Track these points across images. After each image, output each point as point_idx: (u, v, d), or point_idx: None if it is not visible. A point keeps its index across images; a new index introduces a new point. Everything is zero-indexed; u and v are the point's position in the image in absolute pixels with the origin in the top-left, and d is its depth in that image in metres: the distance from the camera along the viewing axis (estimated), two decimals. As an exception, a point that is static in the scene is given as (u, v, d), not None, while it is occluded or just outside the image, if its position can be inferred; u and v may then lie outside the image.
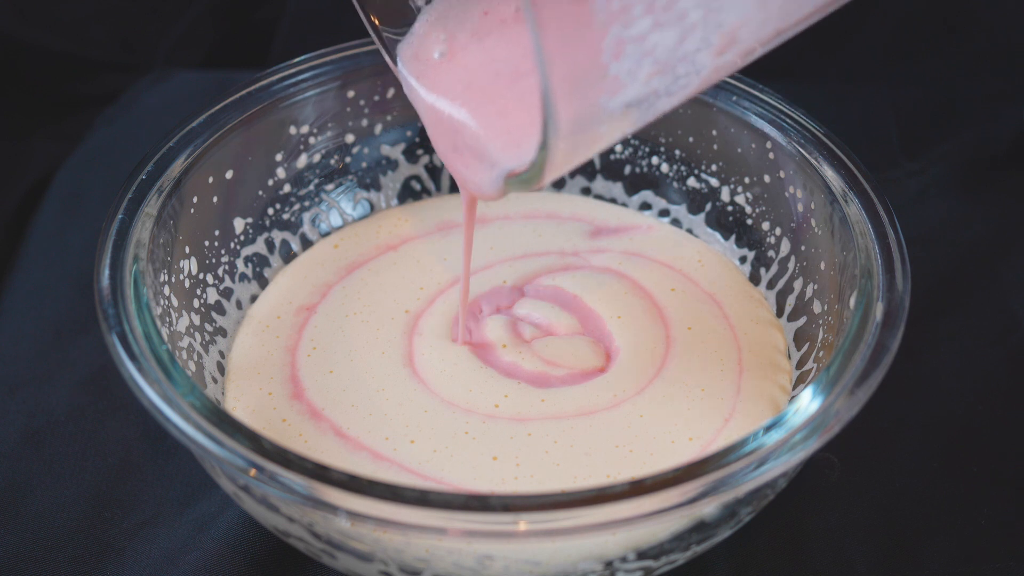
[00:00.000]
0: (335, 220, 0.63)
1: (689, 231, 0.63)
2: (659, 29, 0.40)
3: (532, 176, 0.43)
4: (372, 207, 0.64)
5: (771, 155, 0.59)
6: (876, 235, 0.52)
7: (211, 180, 0.58)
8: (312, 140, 0.62)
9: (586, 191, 0.65)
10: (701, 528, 0.48)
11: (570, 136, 0.40)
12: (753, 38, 0.43)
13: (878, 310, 0.49)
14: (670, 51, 0.41)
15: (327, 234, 0.63)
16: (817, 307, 0.56)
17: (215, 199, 0.58)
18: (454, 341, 0.57)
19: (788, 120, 0.58)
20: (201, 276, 0.57)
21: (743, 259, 0.61)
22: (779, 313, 0.59)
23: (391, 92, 0.63)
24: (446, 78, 0.50)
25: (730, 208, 0.62)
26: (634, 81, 0.41)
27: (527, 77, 0.48)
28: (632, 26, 0.39)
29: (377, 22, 0.53)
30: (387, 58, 0.53)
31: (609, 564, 0.48)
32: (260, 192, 0.61)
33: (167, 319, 0.53)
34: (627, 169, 0.64)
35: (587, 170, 0.65)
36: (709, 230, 0.63)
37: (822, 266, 0.56)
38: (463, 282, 0.56)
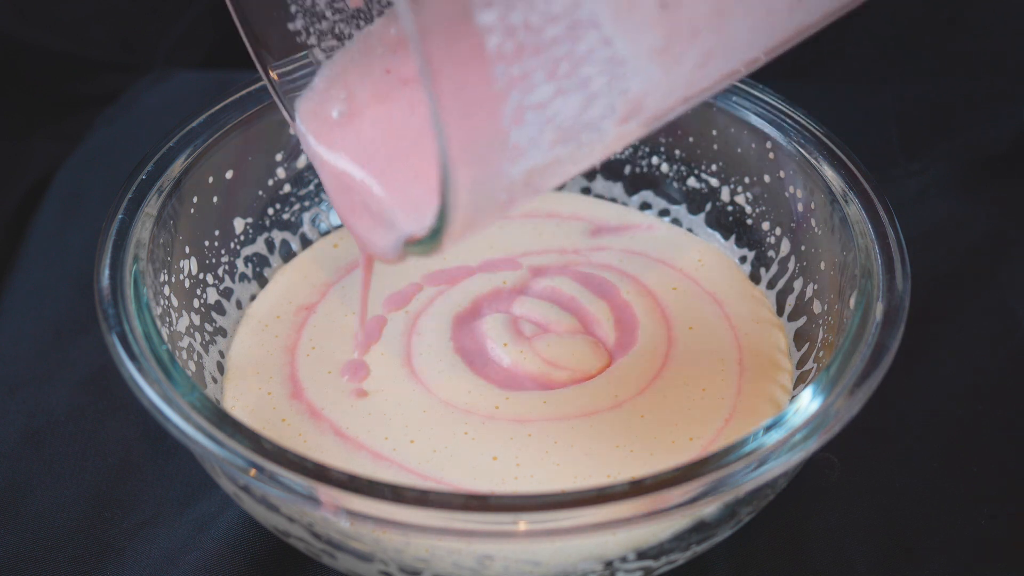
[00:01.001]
0: (335, 220, 0.63)
1: (689, 231, 0.63)
2: (561, 96, 0.39)
3: (431, 243, 0.41)
4: (372, 207, 0.64)
5: (771, 155, 0.59)
6: (876, 235, 0.52)
7: (211, 180, 0.58)
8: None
9: (586, 191, 0.65)
10: (701, 528, 0.48)
11: (470, 203, 0.39)
12: (658, 106, 0.42)
13: (878, 310, 0.49)
14: (573, 119, 0.40)
15: (326, 233, 0.63)
16: (817, 307, 0.56)
17: (215, 199, 0.58)
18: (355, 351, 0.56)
19: (788, 120, 0.58)
20: (201, 276, 0.57)
21: (743, 259, 0.61)
22: (779, 313, 0.59)
23: (391, 92, 0.63)
24: (346, 138, 0.49)
25: (730, 208, 0.62)
26: (536, 148, 0.39)
27: (427, 143, 0.46)
28: (533, 92, 0.38)
29: (276, 77, 0.52)
30: (284, 112, 0.52)
31: (609, 564, 0.48)
32: (260, 192, 0.61)
33: (167, 319, 0.53)
34: (627, 169, 0.64)
35: (587, 170, 0.65)
36: (709, 230, 0.63)
37: (822, 266, 0.56)
38: (360, 319, 0.56)
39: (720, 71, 0.43)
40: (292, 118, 0.51)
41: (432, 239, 0.41)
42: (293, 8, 0.51)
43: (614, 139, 0.42)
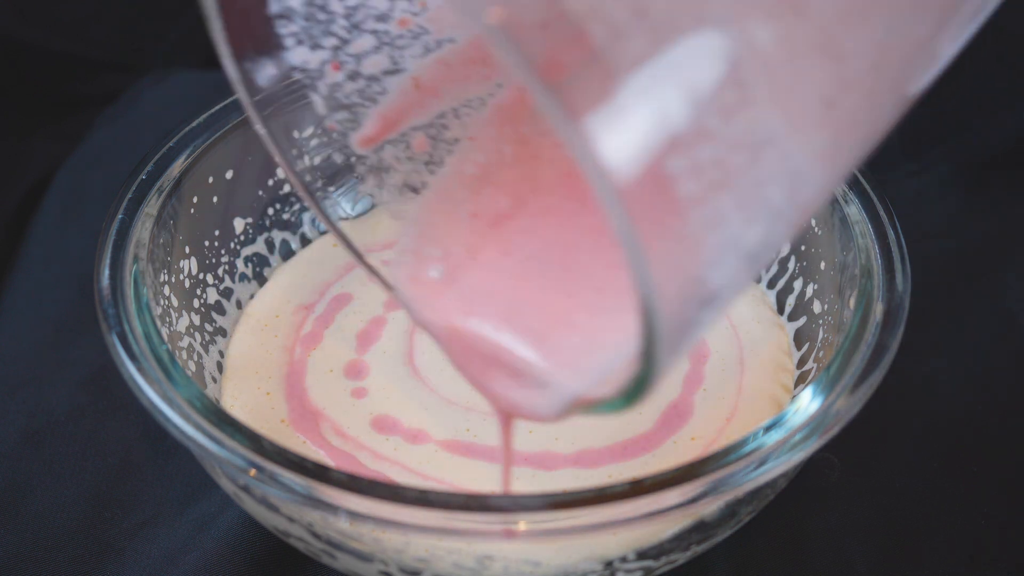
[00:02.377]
0: (335, 220, 0.63)
1: (689, 231, 0.63)
2: (749, 224, 0.35)
3: (623, 406, 0.37)
4: (373, 206, 0.64)
5: (771, 155, 0.59)
6: (876, 235, 0.52)
7: (211, 180, 0.58)
8: (313, 141, 0.62)
9: (586, 191, 0.65)
10: (701, 528, 0.48)
11: (670, 354, 0.35)
12: (822, 201, 0.39)
13: (878, 310, 0.49)
14: (761, 244, 0.36)
15: (326, 232, 0.63)
16: (817, 307, 0.56)
17: (215, 199, 0.58)
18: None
19: (788, 120, 0.58)
20: (201, 276, 0.57)
21: (743, 259, 0.61)
22: (779, 313, 0.59)
23: (391, 92, 0.63)
24: (460, 299, 0.44)
25: (730, 208, 0.62)
26: (729, 287, 0.36)
27: (568, 290, 0.42)
28: (727, 228, 0.34)
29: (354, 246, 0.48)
30: (380, 283, 0.47)
31: (609, 564, 0.48)
32: (260, 192, 0.61)
33: (167, 319, 0.53)
34: (627, 169, 0.64)
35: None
36: (709, 230, 0.63)
37: (822, 266, 0.56)
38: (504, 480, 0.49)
39: (863, 154, 0.40)
40: (390, 288, 0.46)
41: (625, 401, 0.37)
42: (360, 170, 0.48)
43: (781, 248, 0.39)
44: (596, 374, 0.40)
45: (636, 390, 0.36)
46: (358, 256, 0.47)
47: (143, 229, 0.53)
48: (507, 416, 0.45)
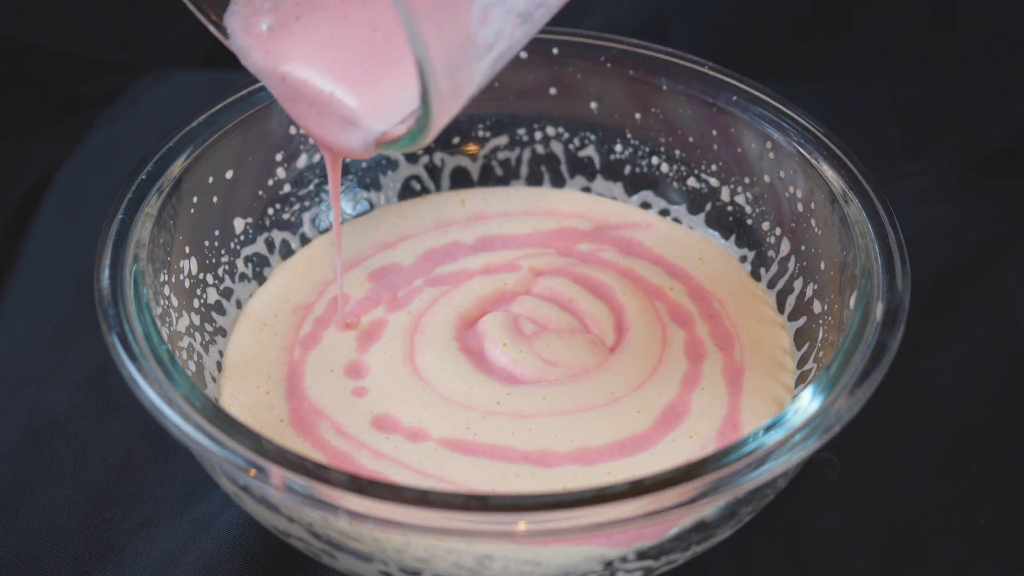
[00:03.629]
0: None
1: (690, 229, 0.63)
2: None
3: (411, 143, 0.45)
4: (372, 207, 0.64)
5: (771, 155, 0.59)
6: (876, 235, 0.52)
7: (211, 180, 0.58)
8: (312, 140, 0.62)
9: (586, 190, 0.65)
10: (701, 528, 0.48)
11: (447, 104, 0.42)
12: None
13: (878, 310, 0.49)
14: (529, 1, 0.43)
15: (326, 231, 0.63)
16: (817, 307, 0.56)
17: (215, 199, 0.58)
18: (339, 326, 0.58)
19: (788, 120, 0.58)
20: (201, 276, 0.57)
21: (743, 259, 0.61)
22: (779, 312, 0.59)
23: (391, 92, 0.63)
24: (287, 48, 0.50)
25: (730, 208, 0.62)
26: (501, 38, 0.43)
27: (381, 42, 0.49)
28: None
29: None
30: (216, 33, 0.51)
31: (609, 564, 0.48)
32: (260, 192, 0.61)
33: (167, 319, 0.53)
34: (627, 169, 0.64)
35: (587, 170, 0.65)
36: (709, 230, 0.63)
37: (822, 266, 0.56)
38: (336, 240, 0.57)
39: None
40: (225, 35, 0.51)
41: (413, 140, 0.45)
42: None
43: (557, 3, 0.46)
44: (394, 117, 0.48)
45: (420, 129, 0.44)
46: (196, 5, 0.51)
47: (143, 229, 0.53)
48: (333, 155, 0.53)
